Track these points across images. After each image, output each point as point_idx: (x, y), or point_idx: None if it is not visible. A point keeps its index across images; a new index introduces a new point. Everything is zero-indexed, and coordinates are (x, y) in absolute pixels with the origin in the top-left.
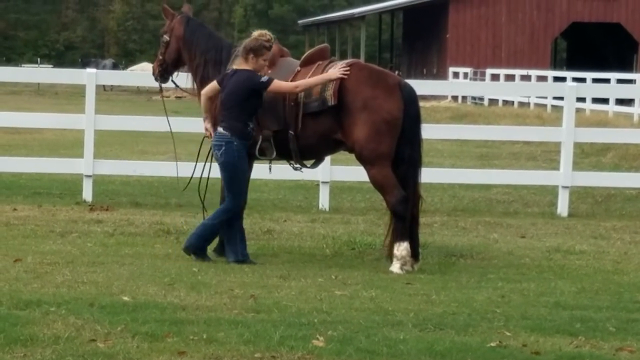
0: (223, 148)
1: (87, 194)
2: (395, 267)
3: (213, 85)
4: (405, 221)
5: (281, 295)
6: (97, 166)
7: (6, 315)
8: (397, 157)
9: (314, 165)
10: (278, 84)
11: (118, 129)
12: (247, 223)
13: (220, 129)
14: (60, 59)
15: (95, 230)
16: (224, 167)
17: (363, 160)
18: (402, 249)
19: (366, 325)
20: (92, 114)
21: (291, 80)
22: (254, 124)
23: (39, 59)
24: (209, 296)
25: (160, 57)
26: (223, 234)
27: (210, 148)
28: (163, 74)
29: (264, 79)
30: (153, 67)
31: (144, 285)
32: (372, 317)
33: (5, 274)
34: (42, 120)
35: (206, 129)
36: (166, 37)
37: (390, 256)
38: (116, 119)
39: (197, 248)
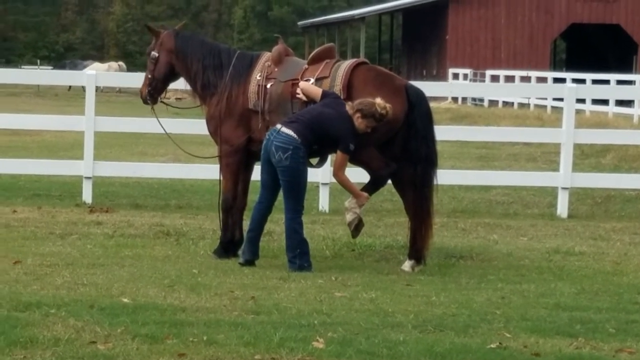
0: (289, 152)
1: (87, 196)
2: (407, 266)
3: (317, 90)
4: (380, 186)
5: (281, 296)
6: (97, 168)
7: (6, 317)
8: (415, 156)
9: (319, 165)
10: (341, 159)
11: (118, 130)
12: (246, 225)
13: (289, 131)
14: (59, 61)
15: (95, 232)
16: (287, 172)
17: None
18: (354, 201)
19: (366, 326)
20: (91, 115)
21: (301, 76)
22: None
23: (38, 61)
24: (209, 298)
25: (150, 76)
26: (248, 231)
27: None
28: (153, 94)
29: (352, 147)
30: (141, 90)
31: (144, 287)
32: (372, 318)
33: (5, 276)
34: (42, 122)
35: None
36: (155, 54)
37: (410, 255)
38: (116, 120)
39: (300, 262)
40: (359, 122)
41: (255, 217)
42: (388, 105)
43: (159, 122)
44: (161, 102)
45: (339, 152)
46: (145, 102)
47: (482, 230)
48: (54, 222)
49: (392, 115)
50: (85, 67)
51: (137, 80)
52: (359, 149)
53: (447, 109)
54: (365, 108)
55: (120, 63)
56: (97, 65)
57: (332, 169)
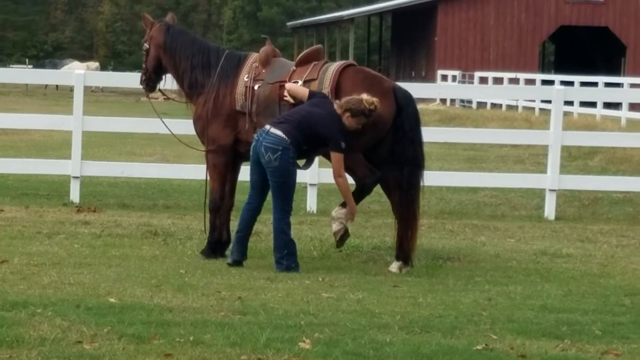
0: (279, 153)
1: (75, 196)
2: (394, 267)
3: (304, 90)
4: (366, 194)
5: (268, 297)
6: (85, 167)
7: None
8: (401, 158)
9: (306, 166)
10: (338, 160)
11: (106, 130)
12: (233, 225)
13: (278, 132)
14: (48, 60)
15: (82, 232)
16: (276, 172)
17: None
18: (342, 211)
19: (353, 327)
20: (80, 115)
21: (289, 78)
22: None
23: (27, 60)
24: (196, 298)
25: (144, 66)
26: (237, 231)
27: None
28: (148, 83)
29: (343, 145)
30: (140, 77)
31: (131, 287)
32: (358, 319)
33: None
34: (30, 121)
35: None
36: (146, 45)
37: (397, 257)
38: (104, 120)
39: (287, 262)
40: (349, 121)
41: (244, 217)
42: (375, 100)
43: (162, 121)
44: (159, 90)
45: (333, 153)
46: (144, 89)
47: (470, 232)
48: (42, 221)
49: (380, 115)
50: (64, 66)
51: (123, 80)
52: (347, 153)
53: (435, 110)
54: (354, 107)
55: (97, 64)
56: (75, 64)
57: (319, 169)
